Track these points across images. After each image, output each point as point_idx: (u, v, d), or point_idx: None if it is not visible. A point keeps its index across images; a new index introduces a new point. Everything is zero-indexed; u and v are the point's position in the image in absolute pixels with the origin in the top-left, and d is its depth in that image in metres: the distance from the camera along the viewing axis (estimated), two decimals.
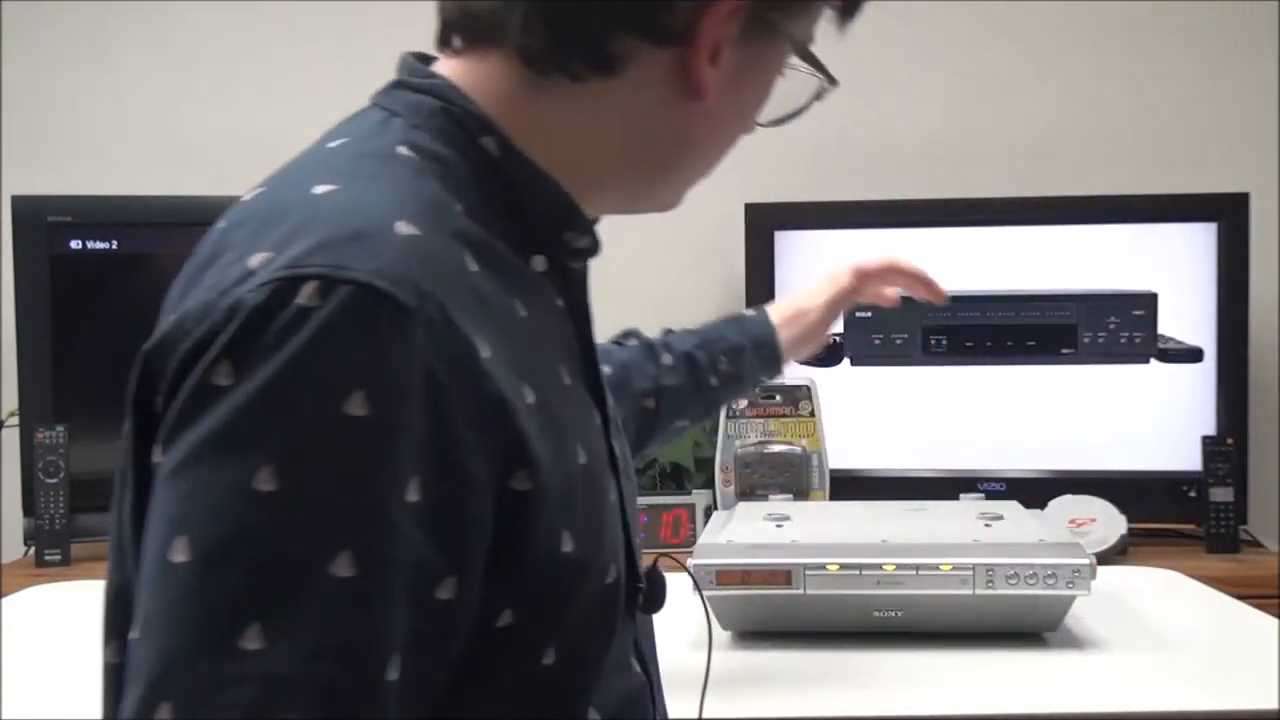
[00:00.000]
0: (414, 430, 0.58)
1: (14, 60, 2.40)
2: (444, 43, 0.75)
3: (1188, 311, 2.15)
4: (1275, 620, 1.39)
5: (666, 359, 1.22)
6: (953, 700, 1.18)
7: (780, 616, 1.34)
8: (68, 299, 2.12)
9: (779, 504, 1.70)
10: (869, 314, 2.21)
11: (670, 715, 1.14)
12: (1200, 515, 2.07)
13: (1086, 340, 2.17)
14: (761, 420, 2.04)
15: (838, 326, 2.19)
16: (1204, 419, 2.14)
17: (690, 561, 1.31)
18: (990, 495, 1.95)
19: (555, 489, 0.65)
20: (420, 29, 0.83)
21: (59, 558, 2.04)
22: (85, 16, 2.41)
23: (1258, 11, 2.34)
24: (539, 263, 0.74)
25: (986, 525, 1.45)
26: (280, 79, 2.34)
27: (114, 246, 2.14)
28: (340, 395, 0.57)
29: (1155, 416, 2.16)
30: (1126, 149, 2.37)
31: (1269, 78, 2.33)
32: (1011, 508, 1.56)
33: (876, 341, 2.21)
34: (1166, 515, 2.13)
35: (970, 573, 1.29)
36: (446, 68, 0.74)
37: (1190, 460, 2.11)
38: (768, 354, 1.25)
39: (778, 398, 2.04)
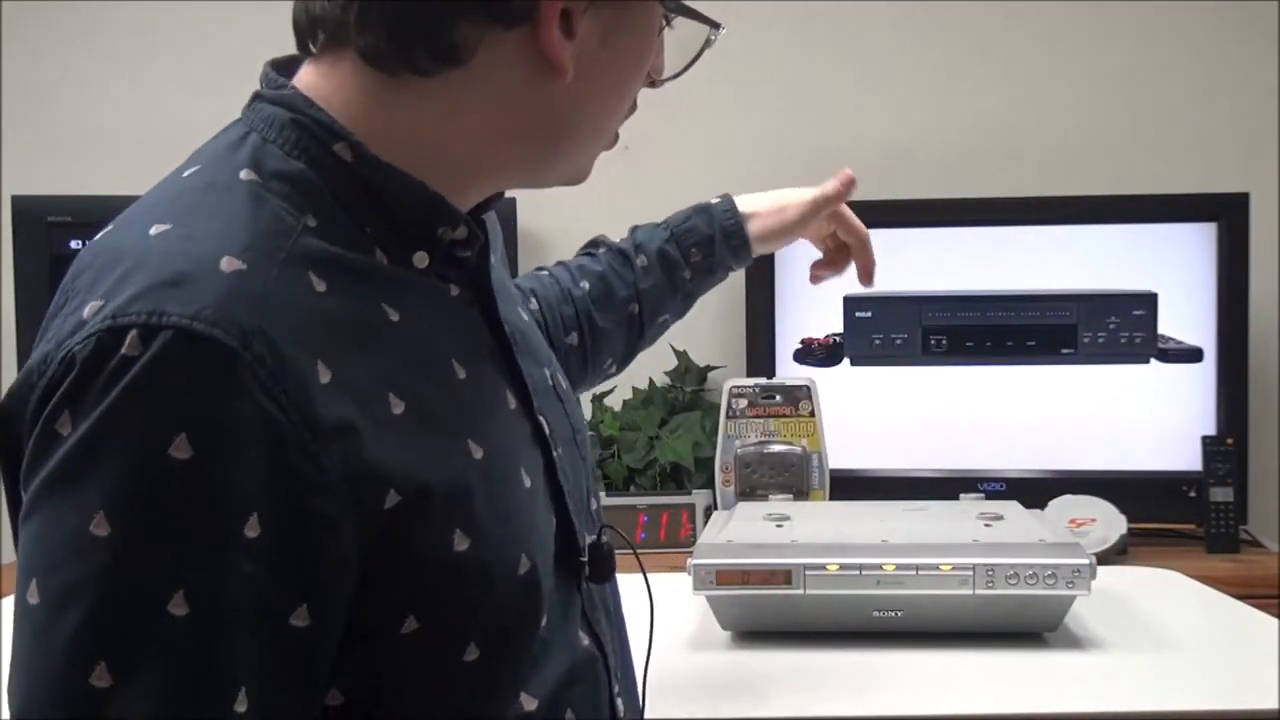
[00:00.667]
0: (246, 467, 0.59)
1: (14, 60, 2.40)
2: (301, 48, 0.75)
3: (1188, 311, 2.15)
4: (1275, 620, 1.39)
5: (641, 260, 1.22)
6: (953, 700, 1.18)
7: (780, 616, 1.34)
8: None
9: (779, 504, 1.70)
10: (869, 314, 2.21)
11: (672, 716, 1.14)
12: (1200, 515, 2.07)
13: (1086, 340, 2.17)
14: (761, 420, 2.04)
15: (838, 325, 2.22)
16: (1204, 419, 2.14)
17: (690, 561, 1.31)
18: (990, 495, 1.95)
19: (435, 492, 0.66)
20: None
21: None
22: (86, 16, 2.41)
23: (1258, 12, 2.34)
24: (420, 259, 0.73)
25: (986, 525, 1.45)
26: None
27: None
28: (164, 439, 0.58)
29: (1155, 416, 2.16)
30: (1126, 149, 2.37)
31: (1269, 78, 2.33)
32: (1011, 508, 1.56)
33: (876, 341, 2.22)
34: (1166, 515, 2.13)
35: (970, 573, 1.28)
36: (305, 74, 0.74)
37: (1190, 460, 2.11)
38: (737, 243, 1.24)
39: (778, 398, 2.04)
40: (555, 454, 0.80)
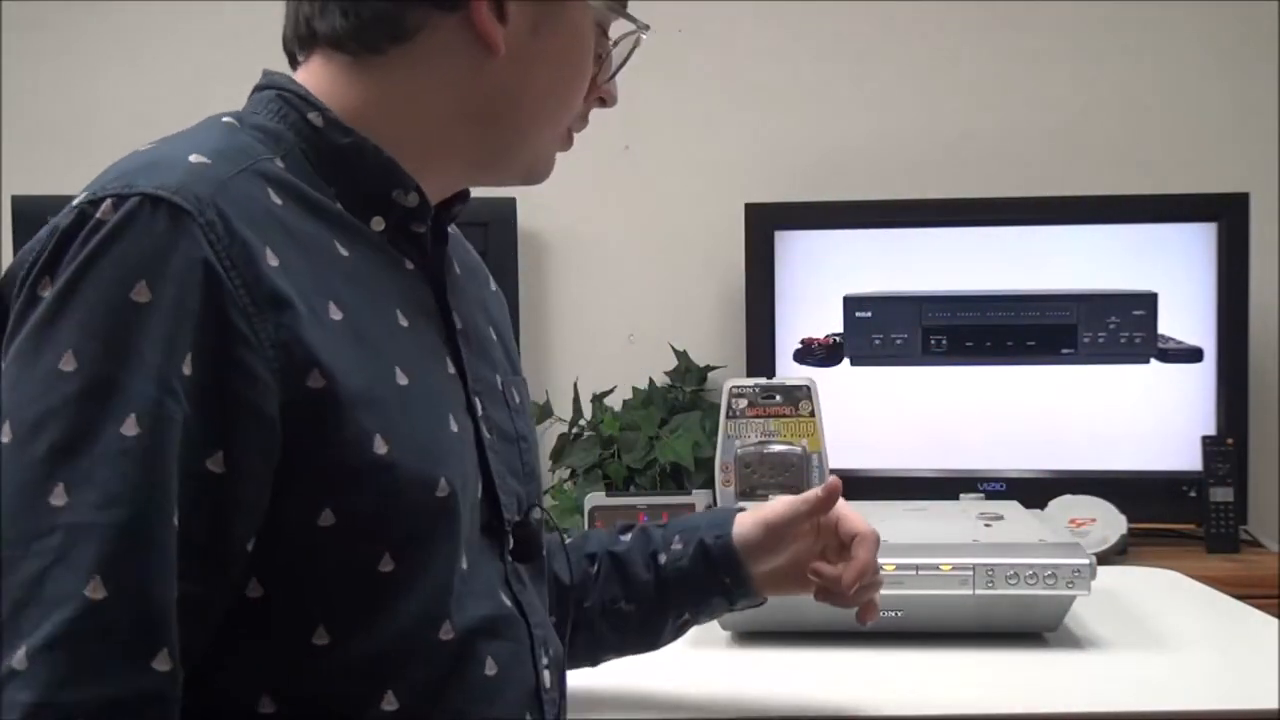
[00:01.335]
0: (192, 312, 0.69)
1: (14, 60, 2.40)
2: (291, 62, 0.87)
3: (1188, 311, 2.15)
4: (1275, 620, 1.39)
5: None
6: (953, 700, 1.18)
7: (780, 616, 1.34)
8: None
9: None
10: (869, 314, 2.21)
11: (672, 716, 1.14)
12: (1200, 515, 2.07)
13: (1086, 340, 2.17)
14: (761, 420, 2.04)
15: (838, 325, 2.22)
16: (1204, 419, 2.14)
17: None
18: (990, 495, 1.95)
19: (358, 392, 0.74)
20: None
21: None
22: (86, 17, 2.41)
23: (1258, 11, 2.34)
24: (377, 223, 0.83)
25: (986, 525, 1.45)
26: None
27: None
28: (127, 285, 0.68)
29: (1155, 416, 2.16)
30: (1126, 149, 2.37)
31: (1269, 78, 2.33)
32: (1011, 508, 1.56)
33: (876, 341, 2.22)
34: (1166, 515, 2.13)
35: (970, 573, 1.28)
36: (291, 75, 0.86)
37: (1190, 460, 2.11)
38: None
39: (778, 398, 2.04)
40: (486, 436, 0.86)
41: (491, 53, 0.82)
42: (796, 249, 2.25)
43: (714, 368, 2.33)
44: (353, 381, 0.74)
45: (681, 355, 2.33)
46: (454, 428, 0.82)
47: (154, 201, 0.70)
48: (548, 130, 0.89)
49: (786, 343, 2.24)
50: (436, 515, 0.78)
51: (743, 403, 2.04)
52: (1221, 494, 2.04)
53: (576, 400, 2.28)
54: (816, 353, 2.23)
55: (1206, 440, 2.07)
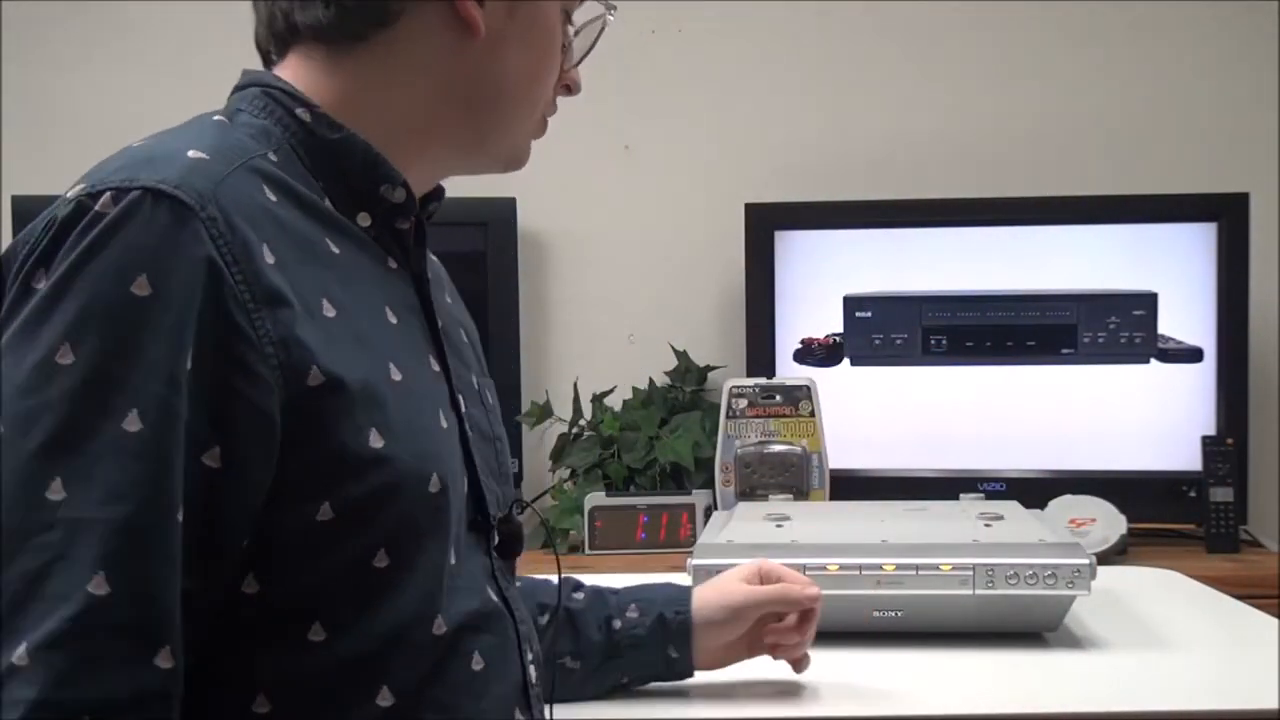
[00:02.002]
0: (194, 308, 0.69)
1: (14, 60, 2.39)
2: (266, 62, 0.88)
3: (1188, 311, 2.15)
4: (1275, 620, 1.39)
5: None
6: (953, 700, 1.18)
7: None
8: None
9: (779, 504, 1.70)
10: (869, 314, 2.21)
11: (672, 716, 1.14)
12: (1200, 515, 2.07)
13: (1086, 340, 2.17)
14: (761, 420, 2.04)
15: (838, 325, 2.22)
16: (1204, 419, 2.14)
17: (690, 562, 1.31)
18: (990, 495, 1.95)
19: (355, 388, 0.75)
20: None
21: None
22: (86, 16, 2.41)
23: (1258, 12, 2.34)
24: (364, 219, 0.84)
25: (986, 525, 1.45)
26: None
27: None
28: (127, 279, 0.68)
29: (1155, 416, 2.16)
30: (1126, 149, 2.37)
31: (1269, 78, 2.33)
32: (1011, 508, 1.56)
33: (876, 341, 2.22)
34: (1166, 515, 2.13)
35: (970, 573, 1.28)
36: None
37: (1190, 460, 2.11)
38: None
39: (778, 398, 2.04)
40: (469, 432, 0.88)
41: (471, 35, 0.84)
42: (796, 249, 2.25)
43: (714, 368, 2.33)
44: (350, 378, 0.74)
45: (681, 355, 2.33)
46: (443, 424, 0.83)
47: (156, 195, 0.70)
48: (525, 112, 0.90)
49: (786, 343, 2.24)
50: (429, 510, 0.79)
51: (743, 403, 2.04)
52: (1221, 494, 2.04)
53: (576, 400, 2.28)
54: (816, 353, 2.23)
55: (1206, 440, 2.07)
